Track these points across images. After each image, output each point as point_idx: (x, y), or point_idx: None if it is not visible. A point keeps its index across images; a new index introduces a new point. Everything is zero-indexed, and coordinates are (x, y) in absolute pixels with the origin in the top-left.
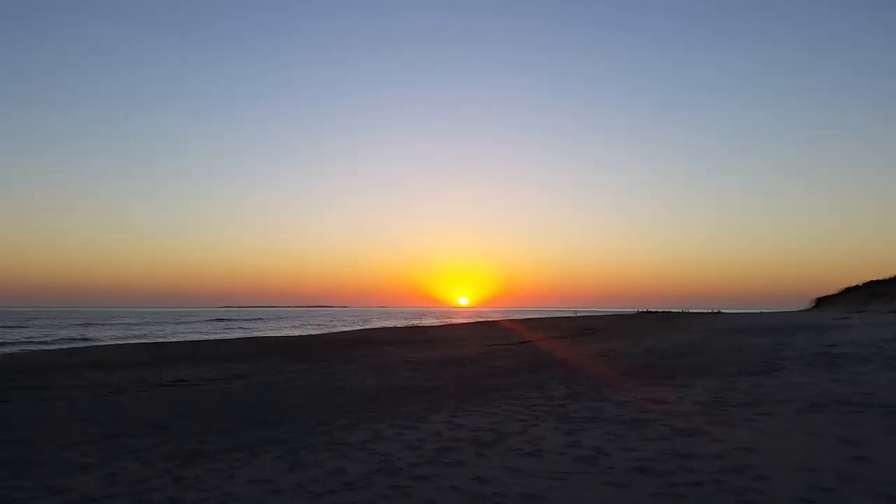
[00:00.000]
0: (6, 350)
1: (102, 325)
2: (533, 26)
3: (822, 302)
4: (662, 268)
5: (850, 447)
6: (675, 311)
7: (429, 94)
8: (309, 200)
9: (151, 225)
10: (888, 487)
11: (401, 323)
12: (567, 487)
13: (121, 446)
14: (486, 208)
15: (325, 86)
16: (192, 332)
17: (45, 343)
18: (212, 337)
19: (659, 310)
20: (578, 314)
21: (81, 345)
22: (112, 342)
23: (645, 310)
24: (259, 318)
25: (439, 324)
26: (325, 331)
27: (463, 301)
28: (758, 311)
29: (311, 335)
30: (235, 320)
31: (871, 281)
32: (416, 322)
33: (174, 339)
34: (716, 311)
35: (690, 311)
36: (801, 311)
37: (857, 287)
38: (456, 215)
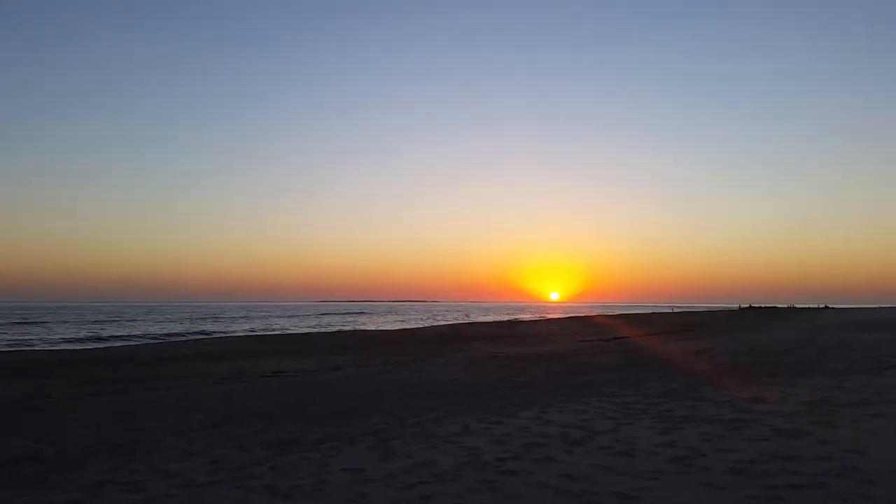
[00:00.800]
0: (122, 343)
1: (212, 319)
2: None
3: None
4: (767, 261)
5: None
6: (780, 306)
7: (522, 90)
8: (403, 197)
9: (257, 225)
10: None
11: (491, 318)
12: (660, 487)
13: (223, 434)
14: (580, 202)
15: (418, 81)
16: (292, 326)
17: (158, 336)
18: (310, 330)
19: (762, 305)
20: (675, 310)
21: (191, 338)
22: (219, 335)
23: (747, 305)
24: (357, 313)
25: (530, 319)
26: (417, 325)
27: (554, 296)
28: (870, 305)
29: (403, 329)
30: (335, 314)
31: None
32: (507, 317)
33: (275, 333)
34: (823, 305)
35: (796, 306)
36: None
37: None
38: (549, 210)
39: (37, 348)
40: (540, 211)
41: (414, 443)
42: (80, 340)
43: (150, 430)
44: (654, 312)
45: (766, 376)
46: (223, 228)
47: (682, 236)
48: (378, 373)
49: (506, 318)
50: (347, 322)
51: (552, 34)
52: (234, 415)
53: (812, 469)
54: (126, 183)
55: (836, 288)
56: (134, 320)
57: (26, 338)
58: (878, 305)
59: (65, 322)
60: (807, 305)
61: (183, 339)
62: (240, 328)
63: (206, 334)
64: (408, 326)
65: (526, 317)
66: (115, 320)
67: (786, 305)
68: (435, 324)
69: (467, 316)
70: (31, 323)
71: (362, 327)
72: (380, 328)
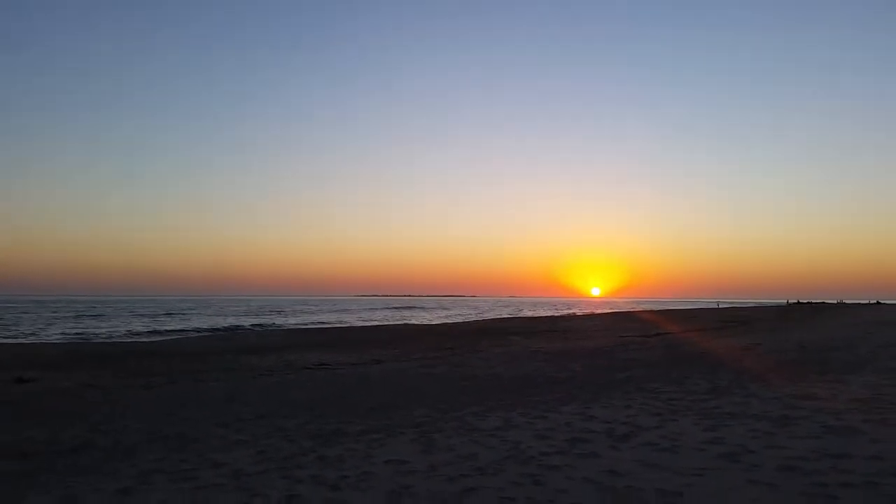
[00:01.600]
0: (172, 337)
1: (259, 313)
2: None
3: None
4: (817, 256)
5: None
6: (829, 301)
7: (561, 88)
8: (446, 192)
9: (307, 222)
10: None
11: (533, 313)
12: (707, 484)
13: (269, 425)
14: (623, 197)
15: (467, 77)
16: (337, 320)
17: (206, 330)
18: (354, 324)
19: (812, 301)
20: (721, 305)
21: (240, 332)
22: (267, 329)
23: (796, 301)
24: (400, 307)
25: (571, 314)
26: (459, 320)
27: (595, 291)
28: None
29: (443, 324)
30: (379, 309)
31: None
32: (548, 312)
33: (319, 326)
34: (875, 301)
35: (847, 301)
36: None
37: None
38: (590, 206)
39: (93, 340)
40: (581, 207)
41: (456, 436)
42: (136, 333)
43: (198, 421)
44: (698, 308)
45: (815, 373)
46: (273, 225)
47: (728, 231)
48: (418, 367)
49: (547, 313)
50: (390, 317)
51: (588, 32)
52: (278, 406)
53: (864, 468)
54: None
55: (888, 283)
56: (185, 314)
57: (82, 330)
58: None
59: (122, 315)
60: (857, 301)
61: (232, 332)
62: (287, 321)
63: (261, 327)
64: (449, 321)
65: (567, 312)
66: (171, 314)
67: (835, 301)
68: (477, 318)
69: (496, 311)
70: (89, 316)
71: (405, 321)
72: (422, 322)
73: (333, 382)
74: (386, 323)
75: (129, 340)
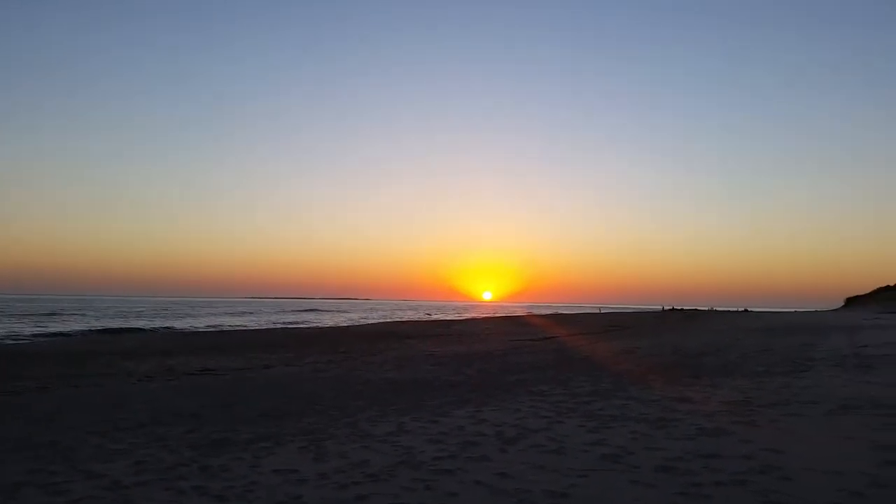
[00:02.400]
0: (49, 339)
1: (134, 315)
2: (551, 19)
3: (853, 301)
4: (689, 265)
5: (882, 451)
6: (702, 308)
7: (452, 89)
8: (335, 194)
9: (201, 220)
10: None
11: (424, 316)
12: (591, 485)
13: (149, 434)
14: (510, 202)
15: (364, 77)
16: (220, 322)
17: (89, 332)
18: (239, 327)
19: (685, 307)
20: (603, 310)
21: (124, 335)
22: (141, 330)
23: (671, 307)
24: (284, 310)
25: (463, 318)
26: (350, 323)
27: (486, 295)
28: (786, 309)
29: (335, 327)
30: (267, 312)
31: None
32: (440, 316)
33: (203, 329)
34: (743, 309)
35: (717, 308)
36: (831, 310)
37: (890, 287)
38: (479, 209)
39: None
40: (472, 211)
41: (348, 442)
42: (16, 335)
43: (72, 430)
44: (583, 313)
45: (689, 377)
46: (167, 222)
47: (611, 239)
48: (310, 371)
49: (440, 316)
50: (284, 320)
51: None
52: (161, 414)
53: (734, 467)
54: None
55: (759, 292)
56: (71, 315)
57: None
58: (795, 310)
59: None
60: (727, 308)
61: (114, 335)
62: (169, 325)
63: (125, 331)
64: (344, 324)
65: (459, 316)
66: (56, 314)
67: (707, 308)
68: (369, 321)
69: (388, 315)
70: None
71: (296, 325)
72: (314, 325)
73: (218, 389)
74: (277, 326)
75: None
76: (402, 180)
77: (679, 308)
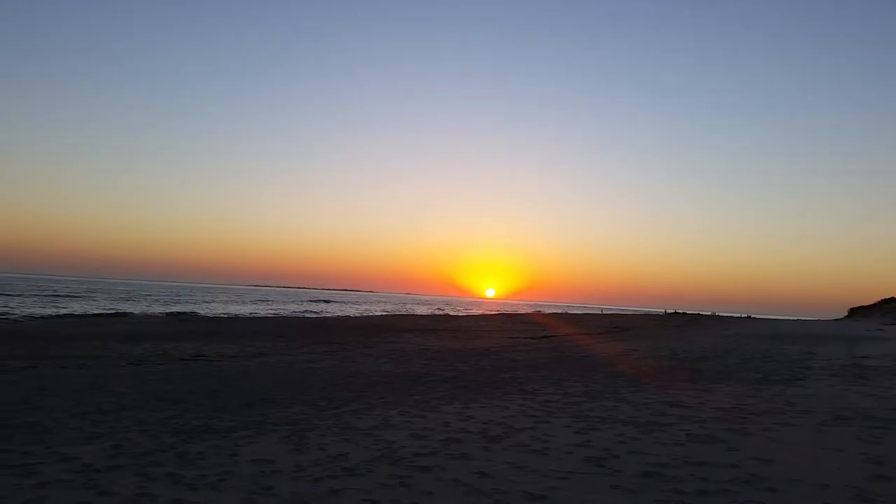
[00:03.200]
0: (41, 320)
1: (141, 299)
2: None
3: (856, 312)
4: (694, 269)
5: (872, 465)
6: (704, 313)
7: (464, 83)
8: (342, 186)
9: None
10: None
11: (425, 311)
12: (571, 488)
13: (131, 418)
14: (517, 200)
15: (374, 73)
16: (223, 309)
17: (82, 315)
18: (242, 314)
19: (688, 311)
20: (605, 311)
21: (125, 316)
22: (144, 313)
23: (674, 311)
24: (296, 300)
25: (464, 314)
26: (350, 314)
27: (489, 292)
28: (790, 317)
29: (336, 317)
30: (270, 301)
31: None
32: (441, 311)
33: (201, 315)
34: (747, 315)
35: (720, 314)
36: (834, 320)
37: (894, 299)
38: (486, 206)
39: None
40: (477, 207)
41: (330, 435)
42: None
43: (54, 411)
44: (585, 313)
45: (685, 381)
46: (166, 207)
47: (617, 240)
48: (304, 361)
49: (441, 311)
50: (288, 309)
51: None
52: (146, 398)
53: (720, 476)
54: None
55: (763, 298)
56: (67, 296)
57: None
58: (798, 318)
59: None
60: (730, 314)
61: (114, 318)
62: (168, 309)
63: (128, 313)
64: (341, 314)
65: (461, 311)
66: (54, 296)
67: (710, 313)
68: (364, 313)
69: (389, 308)
70: None
71: (300, 314)
72: (313, 315)
73: (209, 375)
74: (274, 314)
75: None
76: (412, 176)
77: (681, 312)
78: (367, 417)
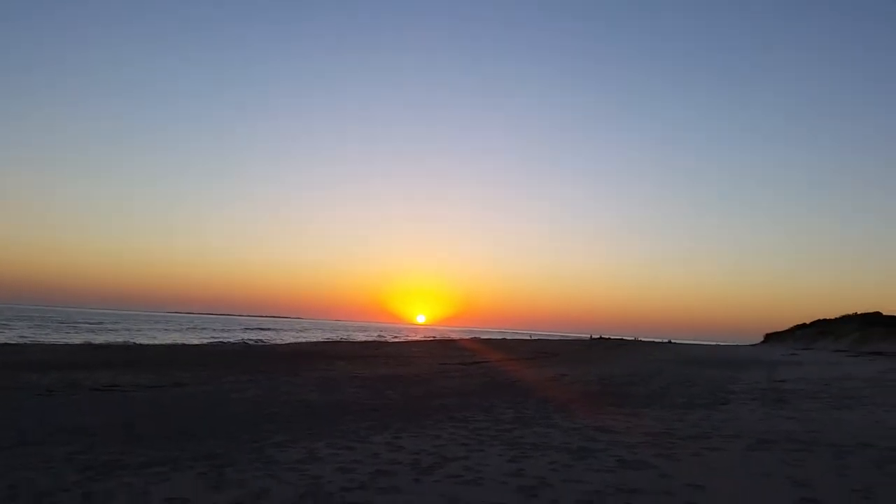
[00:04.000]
0: None
1: (52, 325)
2: (512, 34)
3: (771, 337)
4: (618, 294)
5: (800, 488)
6: (628, 338)
7: (391, 108)
8: (272, 211)
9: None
10: None
11: (354, 337)
12: None
13: (33, 454)
14: (444, 226)
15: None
16: (141, 336)
17: None
18: (165, 342)
19: (612, 336)
20: (534, 337)
21: (22, 343)
22: (56, 342)
23: (599, 336)
24: (222, 329)
25: (393, 340)
26: (284, 341)
27: (420, 318)
28: (709, 342)
29: (263, 345)
30: (190, 328)
31: (820, 319)
32: (370, 337)
33: (116, 343)
34: (668, 340)
35: (642, 339)
36: (750, 345)
37: (806, 325)
38: (415, 232)
39: None
40: (407, 233)
41: (251, 469)
42: None
43: None
44: (514, 338)
45: (613, 406)
46: (92, 231)
47: (543, 266)
48: (225, 391)
49: (371, 338)
50: (213, 336)
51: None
52: (50, 432)
53: (654, 503)
54: None
55: (683, 324)
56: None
57: None
58: (717, 343)
59: None
60: (652, 339)
61: (22, 347)
62: (82, 337)
63: (36, 341)
64: (273, 342)
65: (394, 338)
66: None
67: (633, 338)
68: (291, 340)
69: (316, 334)
70: None
71: (223, 341)
72: (246, 343)
73: (123, 406)
74: (194, 342)
75: None
76: (342, 203)
77: (606, 337)
78: (292, 450)
